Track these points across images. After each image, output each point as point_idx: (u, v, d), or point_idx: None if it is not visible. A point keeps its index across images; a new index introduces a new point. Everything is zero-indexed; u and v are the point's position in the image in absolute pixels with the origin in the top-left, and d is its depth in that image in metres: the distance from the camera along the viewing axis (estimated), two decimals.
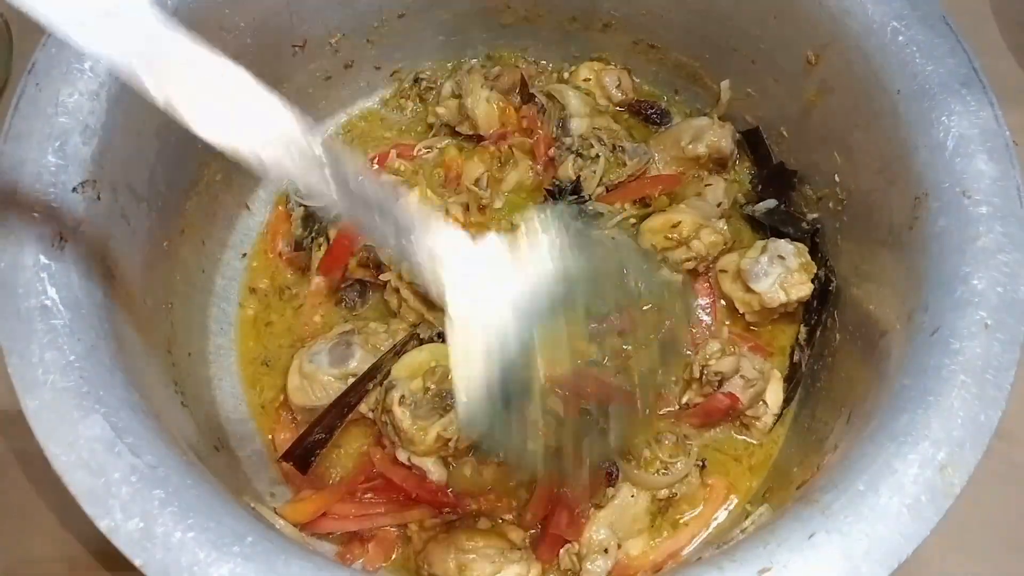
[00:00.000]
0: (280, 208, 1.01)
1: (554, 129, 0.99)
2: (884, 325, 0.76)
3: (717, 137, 0.98)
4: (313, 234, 0.95)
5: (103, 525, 0.59)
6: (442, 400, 0.81)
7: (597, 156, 0.95)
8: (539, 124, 1.00)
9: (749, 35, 0.92)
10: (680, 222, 0.91)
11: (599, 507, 0.84)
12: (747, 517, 0.78)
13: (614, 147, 0.97)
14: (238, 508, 0.63)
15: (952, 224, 0.71)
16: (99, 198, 0.72)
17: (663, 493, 0.86)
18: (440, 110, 1.02)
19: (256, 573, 0.59)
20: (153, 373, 0.76)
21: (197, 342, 0.91)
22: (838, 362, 0.86)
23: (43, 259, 0.67)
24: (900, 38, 0.77)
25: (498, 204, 0.95)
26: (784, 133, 0.96)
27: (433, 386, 0.82)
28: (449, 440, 0.81)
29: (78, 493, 0.60)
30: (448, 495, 0.84)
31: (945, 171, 0.73)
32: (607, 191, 0.96)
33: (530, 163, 0.99)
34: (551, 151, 0.98)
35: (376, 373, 0.86)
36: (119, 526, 0.59)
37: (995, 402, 0.64)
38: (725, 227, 0.95)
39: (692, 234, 0.91)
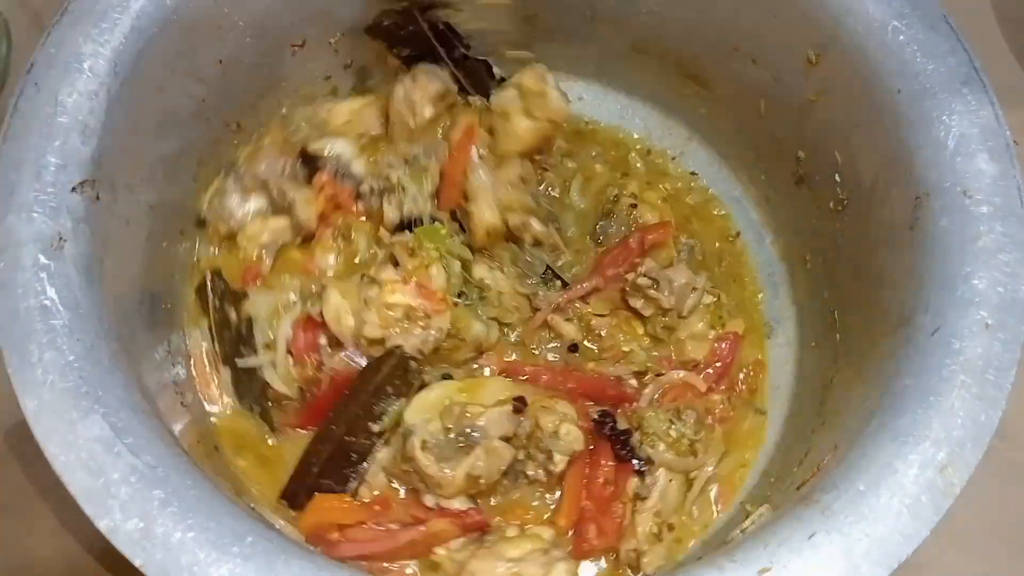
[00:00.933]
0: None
1: (342, 181, 0.96)
2: (885, 325, 0.76)
3: (422, 93, 0.96)
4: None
5: (103, 525, 0.59)
6: (466, 438, 0.80)
7: (399, 182, 0.94)
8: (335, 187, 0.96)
9: (749, 34, 0.92)
10: None
11: (642, 499, 0.84)
12: (747, 517, 0.78)
13: (406, 161, 0.95)
14: (238, 508, 0.63)
15: (953, 224, 0.71)
16: (98, 198, 0.71)
17: (694, 473, 0.88)
18: (265, 238, 0.93)
19: (256, 573, 0.59)
20: (153, 373, 0.75)
21: (196, 342, 0.90)
22: (839, 362, 0.86)
23: (42, 259, 0.66)
24: (901, 37, 0.77)
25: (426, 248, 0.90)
26: (783, 133, 0.96)
27: (452, 425, 0.80)
28: (479, 478, 0.80)
29: (77, 493, 0.60)
30: (477, 515, 0.82)
31: (946, 171, 0.72)
32: (436, 199, 0.95)
33: (362, 221, 0.97)
34: (359, 205, 0.96)
35: (371, 403, 0.83)
36: (119, 526, 0.59)
37: (995, 402, 0.65)
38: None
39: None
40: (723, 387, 0.94)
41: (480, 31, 1.00)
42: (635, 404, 0.91)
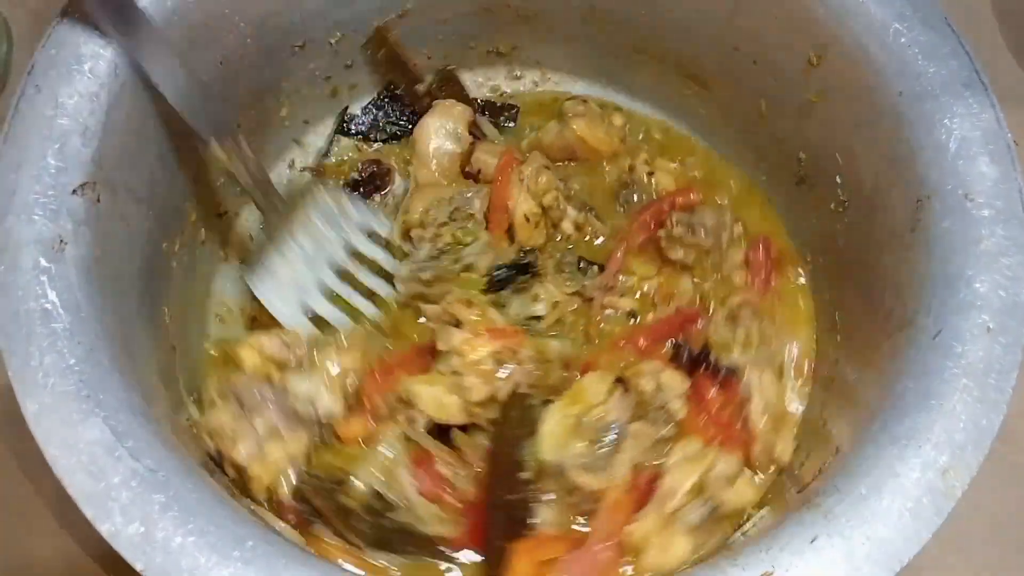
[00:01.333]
0: None
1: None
2: (886, 327, 0.76)
3: (460, 120, 1.00)
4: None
5: (104, 529, 0.59)
6: (609, 440, 0.79)
7: (455, 239, 0.94)
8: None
9: (750, 35, 0.92)
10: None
11: (747, 402, 0.86)
12: (748, 519, 0.79)
13: (450, 217, 0.95)
14: (239, 512, 0.63)
15: (954, 226, 0.71)
16: (99, 200, 0.71)
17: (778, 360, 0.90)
18: (283, 463, 0.80)
19: None
20: (153, 376, 0.75)
21: (197, 344, 0.90)
22: (841, 364, 0.86)
23: (43, 262, 0.66)
24: (902, 39, 0.77)
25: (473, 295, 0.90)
26: (784, 134, 0.96)
27: (590, 437, 0.80)
28: (641, 464, 0.80)
29: (78, 496, 0.60)
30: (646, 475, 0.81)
31: (947, 173, 0.73)
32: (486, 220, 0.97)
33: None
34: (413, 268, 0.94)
35: (512, 454, 0.80)
36: (119, 530, 0.59)
37: (997, 405, 0.65)
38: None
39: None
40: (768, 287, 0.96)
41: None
42: (699, 324, 0.93)
